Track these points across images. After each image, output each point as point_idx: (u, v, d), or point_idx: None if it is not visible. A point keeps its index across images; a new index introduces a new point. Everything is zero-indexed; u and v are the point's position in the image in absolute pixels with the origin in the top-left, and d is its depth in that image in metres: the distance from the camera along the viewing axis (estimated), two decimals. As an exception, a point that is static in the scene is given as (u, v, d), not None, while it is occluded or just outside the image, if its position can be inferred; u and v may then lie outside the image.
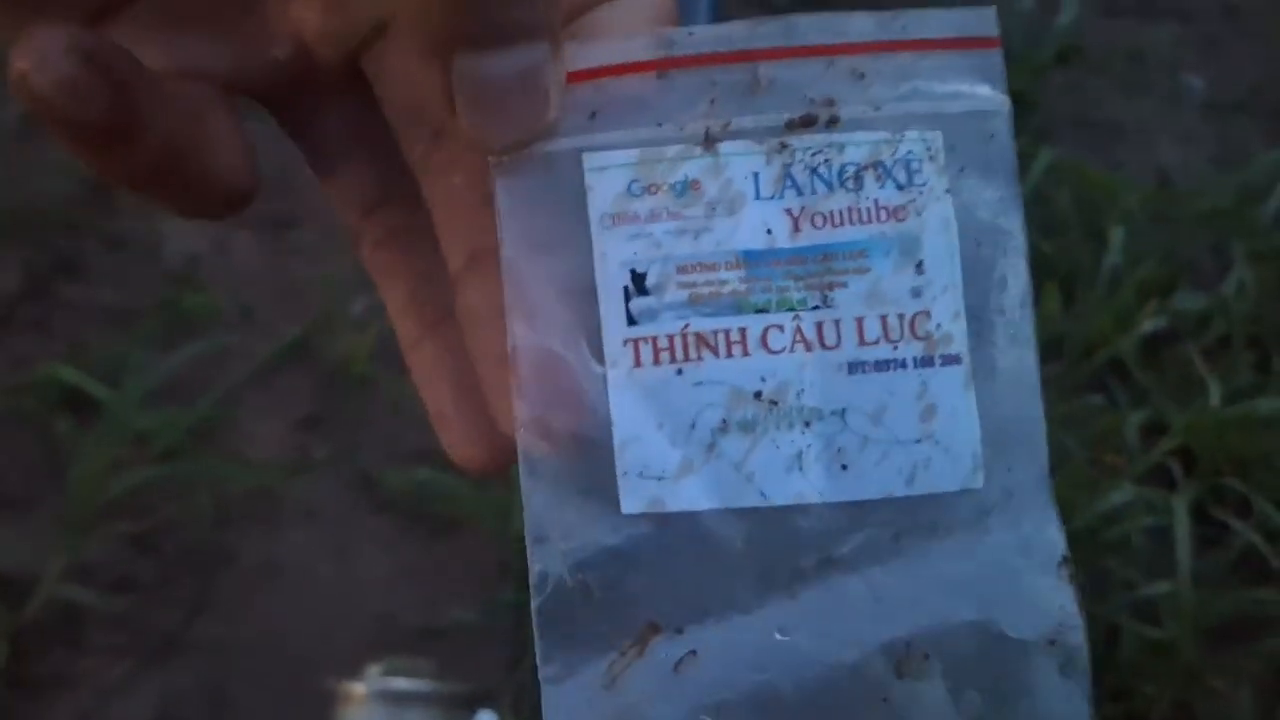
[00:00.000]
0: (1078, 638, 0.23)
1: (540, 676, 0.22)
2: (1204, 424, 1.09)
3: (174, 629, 1.01)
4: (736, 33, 0.23)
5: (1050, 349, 1.16)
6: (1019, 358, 0.23)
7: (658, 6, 0.24)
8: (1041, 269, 1.22)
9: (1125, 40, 1.43)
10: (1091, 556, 1.02)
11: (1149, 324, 1.15)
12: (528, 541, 0.22)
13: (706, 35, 0.23)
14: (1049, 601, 0.23)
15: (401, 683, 0.70)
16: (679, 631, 0.22)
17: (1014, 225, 0.23)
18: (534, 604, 0.22)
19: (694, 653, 0.22)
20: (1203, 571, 1.02)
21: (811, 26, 0.23)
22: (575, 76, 0.23)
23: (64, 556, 1.01)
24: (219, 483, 1.07)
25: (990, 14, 0.24)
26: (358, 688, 0.71)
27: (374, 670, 0.72)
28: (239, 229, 1.24)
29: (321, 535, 1.06)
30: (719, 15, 0.72)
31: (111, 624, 1.01)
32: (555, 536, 0.22)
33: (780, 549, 0.23)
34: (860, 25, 0.23)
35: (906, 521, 0.23)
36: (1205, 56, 1.43)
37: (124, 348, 1.13)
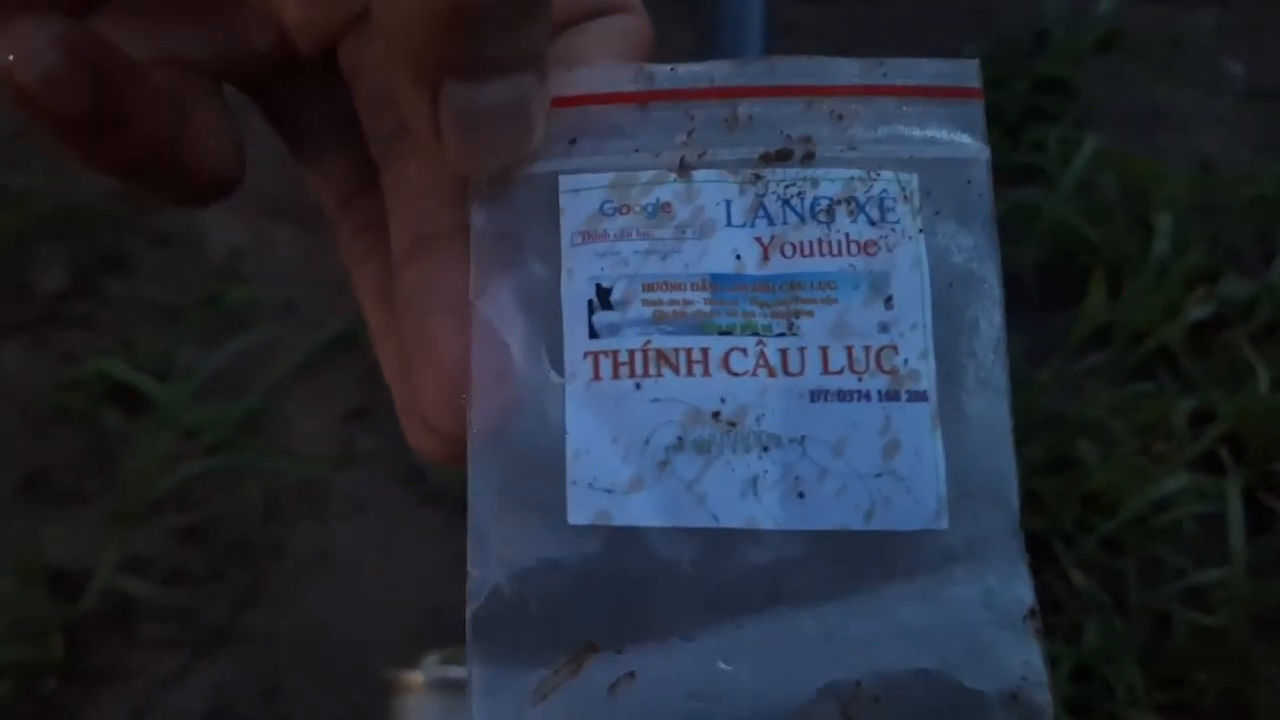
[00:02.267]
0: (1042, 696, 0.22)
1: (469, 684, 0.22)
2: (1253, 410, 1.09)
3: (225, 620, 1.02)
4: (719, 71, 0.24)
5: (1098, 337, 1.16)
6: (989, 404, 0.23)
7: (630, 32, 0.24)
8: (1088, 257, 1.21)
9: (1166, 26, 1.43)
10: (1142, 544, 1.02)
11: (1196, 311, 1.14)
12: (469, 547, 0.22)
13: (689, 72, 0.24)
14: (1011, 656, 0.22)
15: (459, 672, 0.70)
16: (618, 652, 0.22)
17: (988, 272, 0.23)
18: (468, 610, 0.22)
19: (632, 674, 0.22)
20: (1254, 558, 1.01)
21: (794, 68, 0.24)
22: (558, 102, 0.23)
23: (117, 550, 1.02)
24: (268, 475, 1.08)
25: (973, 66, 0.24)
26: (415, 676, 0.70)
27: (431, 659, 0.71)
28: (281, 223, 1.25)
29: (369, 527, 1.07)
30: (768, 46, 0.73)
31: (164, 616, 1.02)
32: (496, 544, 0.22)
33: (730, 576, 0.22)
34: (843, 69, 0.24)
35: (864, 559, 0.22)
36: (1246, 42, 1.42)
37: (171, 343, 1.15)
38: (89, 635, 1.00)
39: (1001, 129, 1.30)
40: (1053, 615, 0.99)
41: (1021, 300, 1.17)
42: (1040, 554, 1.01)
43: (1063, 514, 1.03)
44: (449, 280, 0.23)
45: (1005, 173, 1.28)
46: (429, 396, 0.23)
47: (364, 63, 0.24)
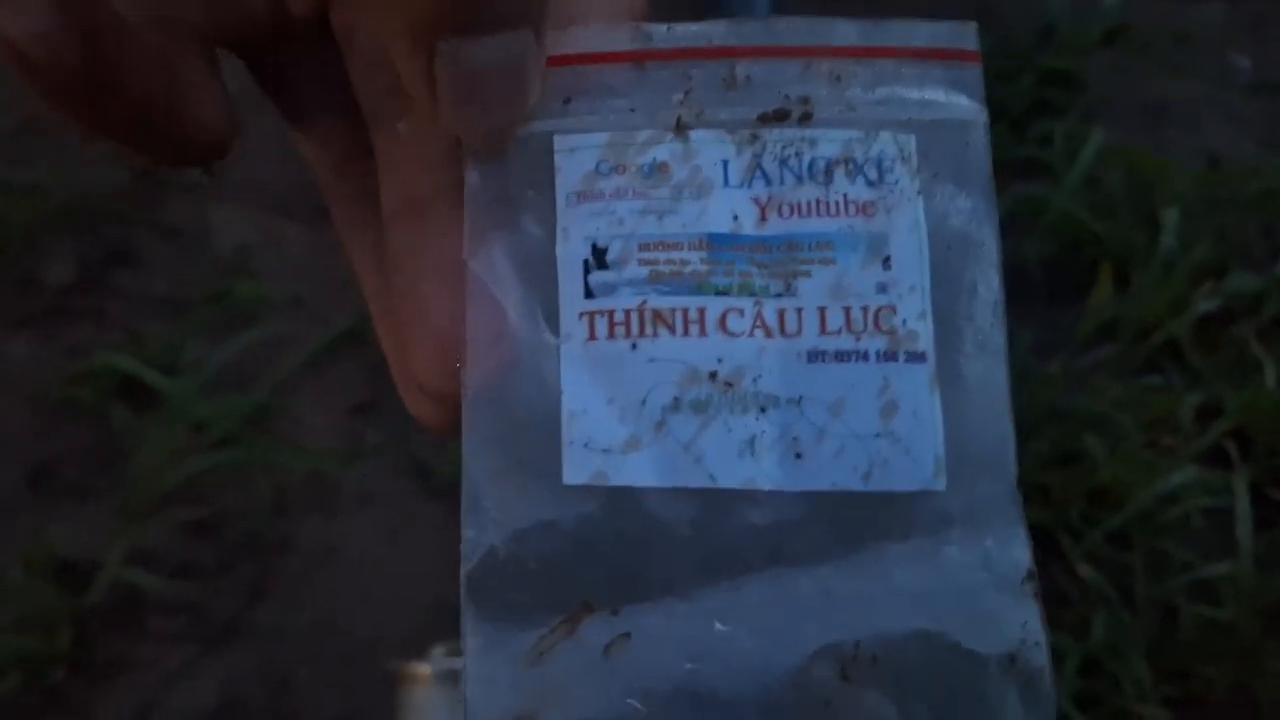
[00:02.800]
0: (1040, 658, 0.22)
1: (463, 646, 0.22)
2: (1260, 405, 1.09)
3: (234, 614, 1.02)
4: (716, 31, 0.23)
5: (1104, 332, 1.16)
6: (987, 368, 0.22)
7: None
8: (1094, 251, 1.21)
9: (1172, 20, 1.43)
10: (1149, 538, 1.02)
11: (1203, 305, 1.14)
12: (463, 508, 0.22)
13: (686, 32, 0.23)
14: (1010, 618, 0.22)
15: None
16: (614, 613, 0.22)
17: (986, 235, 0.23)
18: (462, 571, 0.22)
19: (628, 635, 0.22)
20: (1261, 552, 1.01)
21: (792, 29, 0.23)
22: (552, 61, 0.23)
23: (125, 543, 1.03)
24: (276, 470, 1.09)
25: (971, 29, 0.24)
26: (422, 668, 0.71)
27: (438, 651, 0.72)
28: (288, 219, 1.25)
29: (377, 521, 1.07)
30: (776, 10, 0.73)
31: (172, 610, 1.02)
32: (491, 505, 0.22)
33: (727, 536, 0.22)
34: (841, 31, 0.23)
35: (862, 521, 0.22)
36: (1252, 36, 1.42)
37: (179, 337, 1.15)
38: (97, 628, 1.00)
39: (1007, 123, 1.30)
40: (1060, 609, 0.99)
41: (1028, 295, 1.17)
42: (1047, 548, 1.01)
43: (1069, 508, 1.03)
44: (440, 242, 0.23)
45: (1011, 167, 1.29)
46: (421, 358, 0.23)
47: (356, 24, 0.24)
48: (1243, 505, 1.02)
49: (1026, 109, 1.34)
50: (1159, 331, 1.15)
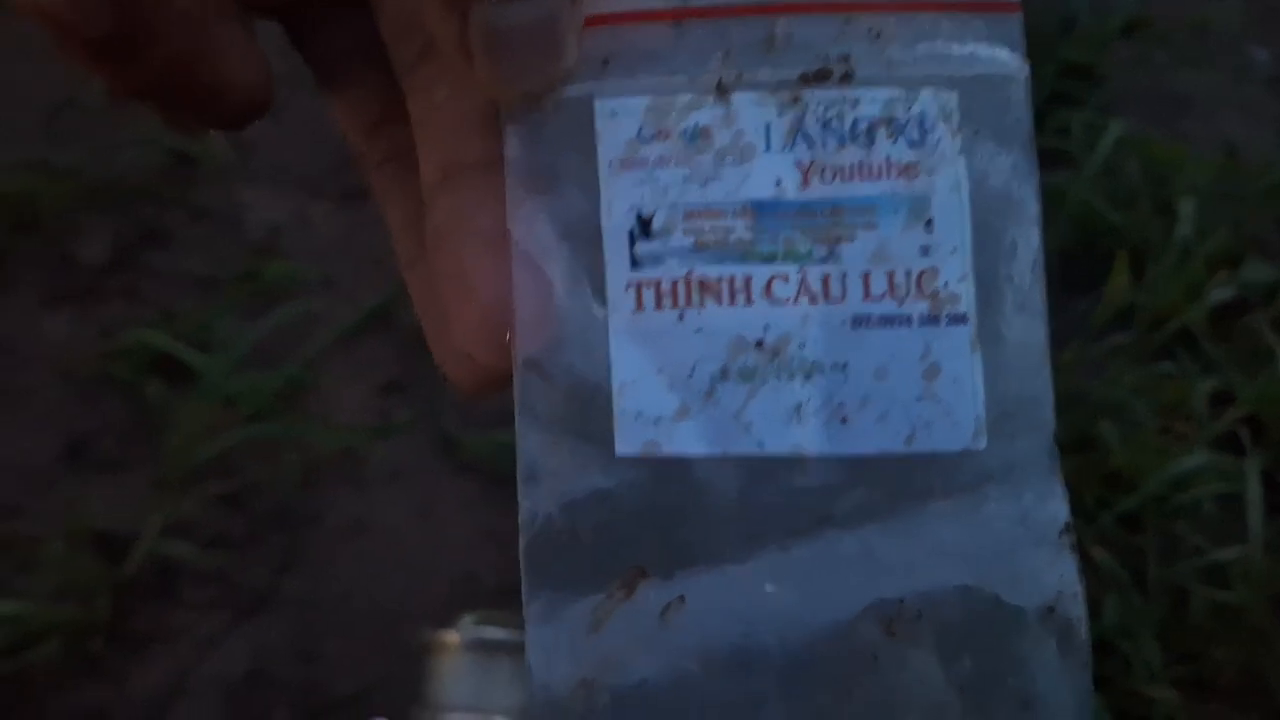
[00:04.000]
0: (1077, 608, 0.22)
1: (525, 615, 0.22)
2: (1273, 392, 1.10)
3: (264, 584, 1.04)
4: None
5: (1121, 320, 1.17)
6: (1027, 327, 0.23)
7: None
8: (1111, 241, 1.22)
9: (1191, 12, 1.43)
10: (1162, 522, 1.04)
11: (1218, 294, 1.15)
12: (519, 480, 0.22)
13: None
14: (1048, 570, 0.22)
15: (494, 632, 0.72)
16: (668, 577, 0.22)
17: (1026, 194, 0.23)
18: (521, 542, 0.22)
19: (682, 599, 0.22)
20: (1272, 538, 1.03)
21: None
22: (589, 21, 0.22)
23: (160, 515, 1.05)
24: (306, 445, 1.10)
25: None
26: (451, 636, 0.72)
27: (467, 619, 0.73)
28: (319, 200, 1.27)
29: (405, 496, 1.09)
30: None
31: (205, 580, 1.04)
32: (546, 476, 0.22)
33: (775, 501, 0.22)
34: None
35: (904, 481, 0.22)
36: (1271, 29, 1.42)
37: (211, 314, 1.16)
38: (134, 597, 1.02)
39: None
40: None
41: (1046, 282, 1.18)
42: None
43: (1083, 491, 1.04)
44: (482, 212, 0.22)
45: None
46: (467, 330, 0.22)
47: None
48: (1254, 491, 1.03)
49: (1045, 100, 1.34)
50: (1174, 320, 1.16)
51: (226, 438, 1.09)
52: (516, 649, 0.72)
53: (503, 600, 1.06)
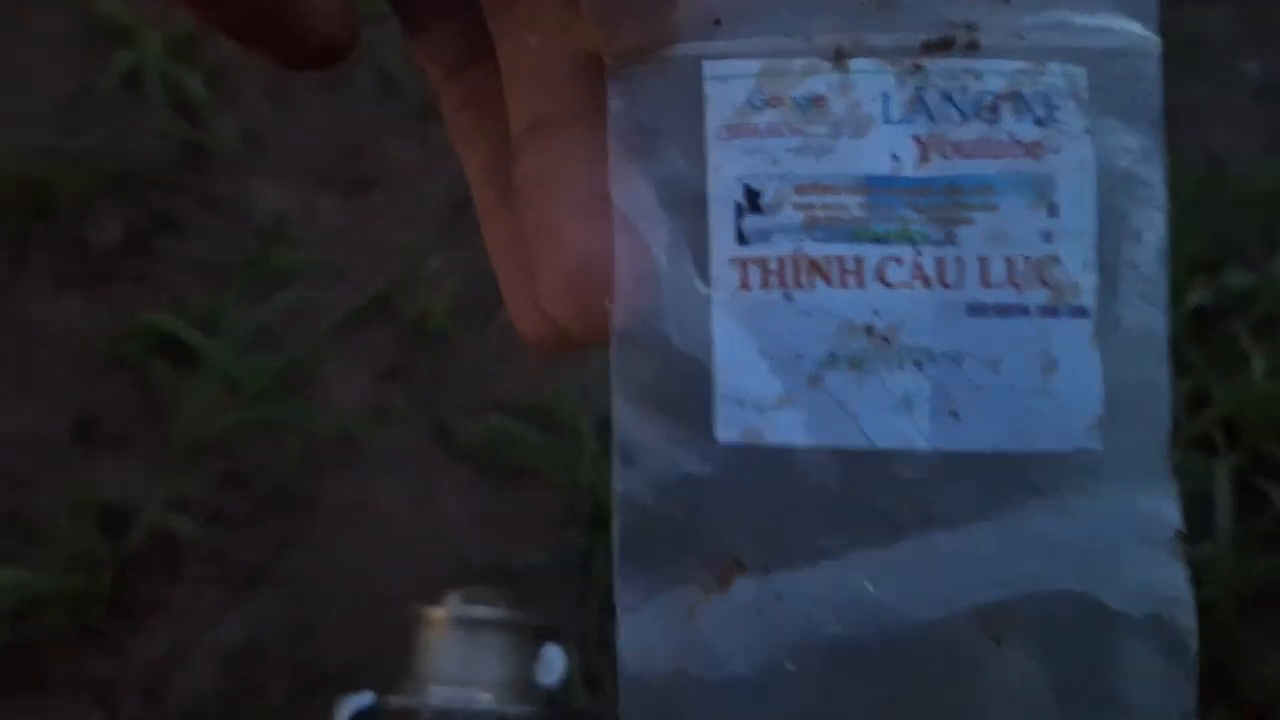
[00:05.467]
0: (1187, 619, 0.21)
1: (617, 603, 0.21)
2: (1248, 396, 1.12)
3: (262, 562, 1.07)
4: None
5: (1100, 321, 1.19)
6: (1148, 317, 0.21)
7: None
8: (1094, 244, 1.24)
9: (1182, 25, 1.45)
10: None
11: (1196, 298, 1.17)
12: (614, 461, 0.21)
13: None
14: (1157, 578, 0.21)
15: (480, 609, 0.74)
16: (764, 570, 0.21)
17: (1155, 176, 0.21)
18: (615, 528, 0.21)
19: (779, 595, 0.21)
20: (1242, 537, 1.05)
21: None
22: None
23: (163, 492, 1.07)
24: (306, 428, 1.13)
25: None
26: (439, 612, 0.75)
27: (454, 597, 0.76)
28: (325, 190, 1.29)
29: (401, 480, 1.12)
30: None
31: (205, 556, 1.07)
32: (643, 458, 0.21)
33: (877, 496, 0.21)
34: None
35: (1013, 478, 0.21)
36: (1261, 42, 1.43)
37: (218, 300, 1.19)
38: (136, 570, 1.05)
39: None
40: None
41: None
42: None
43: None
44: (574, 167, 0.21)
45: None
46: (553, 291, 0.21)
47: None
48: (1223, 491, 1.05)
49: (1038, 107, 1.36)
50: (1154, 323, 1.18)
51: (229, 419, 1.11)
52: (501, 626, 0.75)
53: (491, 582, 1.09)
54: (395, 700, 0.71)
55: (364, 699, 0.75)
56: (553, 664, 0.79)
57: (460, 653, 0.75)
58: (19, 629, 1.00)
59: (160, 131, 1.29)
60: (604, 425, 1.08)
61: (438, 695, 0.71)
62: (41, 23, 1.34)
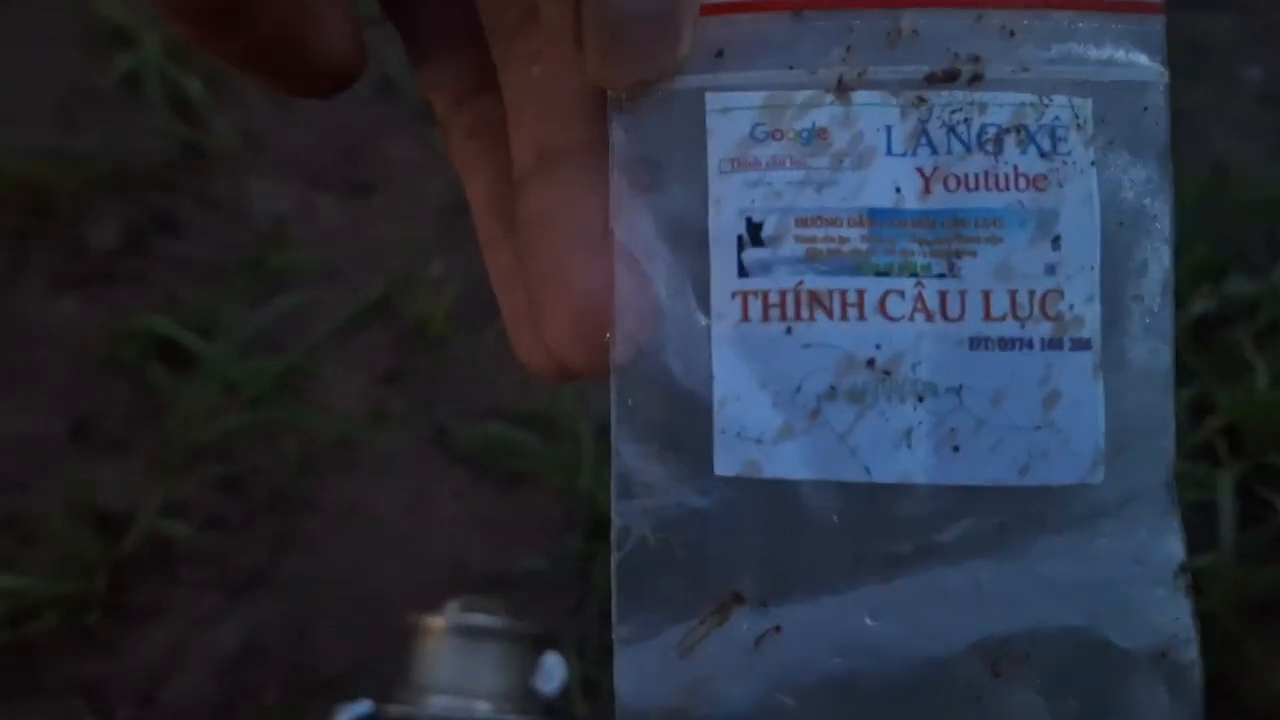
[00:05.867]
0: (1190, 654, 0.21)
1: (614, 636, 0.21)
2: (1251, 405, 1.11)
3: (259, 566, 1.06)
4: None
5: (1102, 327, 1.18)
6: (1153, 350, 0.21)
7: None
8: (1096, 250, 1.24)
9: (1184, 30, 1.45)
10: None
11: (1199, 306, 1.17)
12: (613, 494, 0.21)
13: None
14: (1161, 613, 0.21)
15: (479, 618, 0.74)
16: (763, 605, 0.21)
17: (1161, 208, 0.21)
18: (614, 560, 0.21)
19: (778, 629, 0.21)
20: (1245, 546, 1.04)
21: None
22: (705, 10, 0.21)
23: (160, 495, 1.07)
24: (303, 431, 1.13)
25: None
26: (437, 621, 0.74)
27: (453, 606, 0.75)
28: (324, 192, 1.29)
29: (398, 484, 1.11)
30: None
31: (202, 559, 1.06)
32: (641, 492, 0.21)
33: (878, 530, 0.21)
34: None
35: (1015, 513, 0.21)
36: (1264, 47, 1.43)
37: (216, 301, 1.19)
38: (131, 574, 1.04)
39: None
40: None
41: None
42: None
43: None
44: (580, 203, 0.22)
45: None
46: (557, 327, 0.21)
47: None
48: (1226, 500, 1.05)
49: (1040, 112, 1.36)
50: (1156, 330, 1.17)
51: (226, 422, 1.11)
52: (500, 635, 0.74)
53: (489, 588, 1.08)
54: (393, 709, 0.71)
55: (361, 707, 0.74)
56: (552, 673, 0.79)
57: (459, 662, 0.75)
58: (14, 632, 1.00)
59: (159, 132, 1.29)
60: (603, 431, 1.08)
61: (436, 704, 0.70)
62: (41, 23, 1.34)
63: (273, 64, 0.21)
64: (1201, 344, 1.17)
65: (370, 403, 1.16)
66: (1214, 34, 1.41)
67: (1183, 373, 1.11)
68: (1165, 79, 0.22)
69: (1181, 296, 1.18)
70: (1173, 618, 0.21)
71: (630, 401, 0.21)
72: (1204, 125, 1.34)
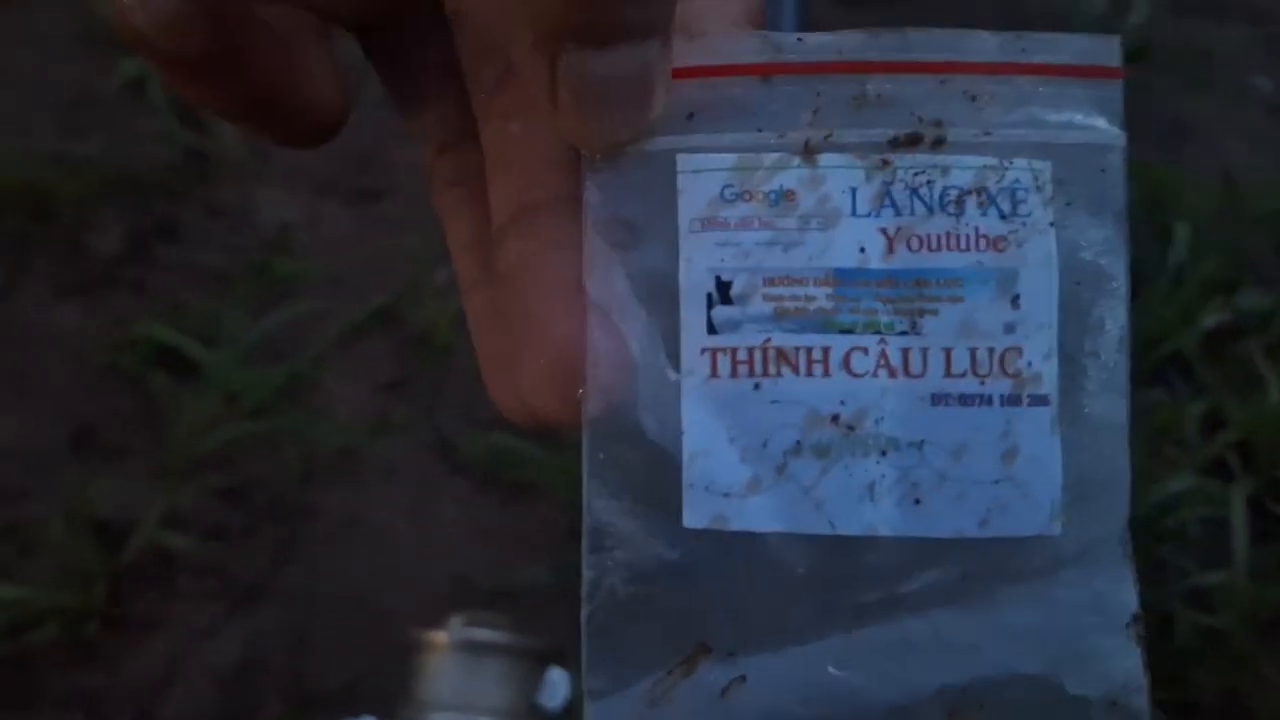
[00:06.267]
0: (1140, 701, 0.21)
1: (585, 689, 0.22)
2: (1263, 418, 1.11)
3: (260, 577, 1.06)
4: (848, 43, 0.22)
5: (1113, 341, 1.18)
6: (1109, 405, 0.22)
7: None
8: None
9: (1195, 40, 1.44)
10: (1148, 544, 1.04)
11: (1211, 319, 1.16)
12: (584, 547, 0.22)
13: (817, 43, 0.22)
14: (1114, 661, 0.21)
15: (482, 633, 0.73)
16: (730, 654, 0.21)
17: (1117, 268, 0.22)
18: (583, 613, 0.22)
19: (744, 678, 0.21)
20: (1257, 563, 1.03)
21: (928, 42, 0.22)
22: (677, 74, 0.22)
23: (160, 505, 1.06)
24: (305, 441, 1.12)
25: (1115, 44, 0.22)
26: (440, 636, 0.73)
27: (456, 620, 0.74)
28: (329, 199, 1.29)
29: (401, 494, 1.11)
30: (805, 20, 0.74)
31: (202, 570, 1.06)
32: (612, 544, 0.22)
33: (843, 581, 0.22)
34: (980, 44, 0.22)
35: (976, 564, 0.22)
36: (1274, 57, 1.43)
37: (219, 309, 1.18)
38: (131, 585, 1.04)
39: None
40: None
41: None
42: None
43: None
44: (555, 257, 0.22)
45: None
46: (532, 378, 0.22)
47: (467, 8, 0.23)
48: (1239, 516, 1.04)
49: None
50: (1167, 343, 1.17)
51: (227, 431, 1.11)
52: (503, 650, 0.73)
53: (492, 600, 1.07)
54: (395, 726, 0.70)
55: (362, 724, 0.73)
56: (556, 688, 0.78)
57: (462, 677, 0.74)
58: (12, 643, 0.99)
59: (163, 138, 1.29)
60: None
61: (438, 721, 0.69)
62: (45, 27, 1.33)
63: (261, 115, 0.22)
64: (1213, 358, 1.16)
65: (373, 412, 1.15)
66: (1224, 44, 1.41)
67: (1195, 387, 1.12)
68: (1124, 141, 0.22)
69: (1193, 310, 1.18)
70: (1124, 666, 0.21)
71: (602, 455, 0.22)
72: (1214, 135, 1.33)
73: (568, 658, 0.95)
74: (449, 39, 0.24)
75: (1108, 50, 0.22)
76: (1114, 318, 0.22)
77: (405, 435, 1.14)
